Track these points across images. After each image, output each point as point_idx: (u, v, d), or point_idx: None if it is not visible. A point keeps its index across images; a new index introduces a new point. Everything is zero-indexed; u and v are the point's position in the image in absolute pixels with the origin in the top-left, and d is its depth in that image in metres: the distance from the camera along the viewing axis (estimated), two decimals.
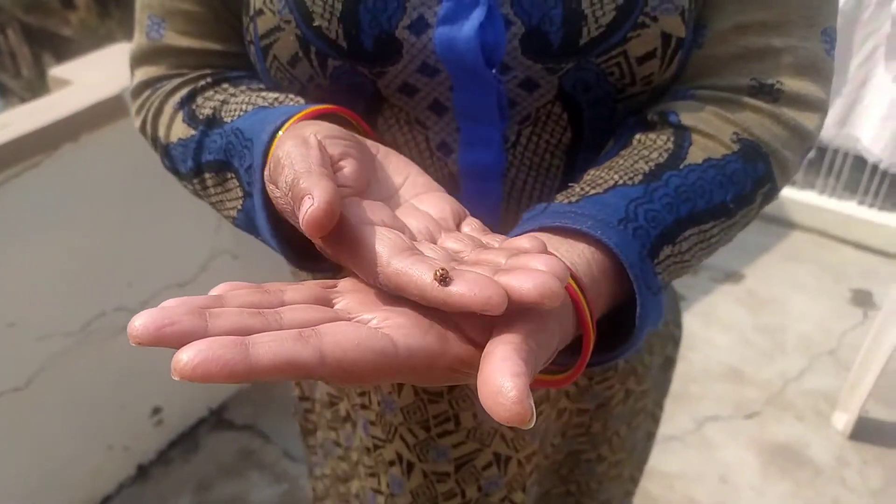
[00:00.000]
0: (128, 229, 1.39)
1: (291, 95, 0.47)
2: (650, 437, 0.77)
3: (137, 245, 1.42)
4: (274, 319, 0.28)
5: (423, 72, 0.45)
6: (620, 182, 0.42)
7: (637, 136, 0.46)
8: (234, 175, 0.45)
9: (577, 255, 0.38)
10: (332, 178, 0.32)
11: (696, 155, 0.44)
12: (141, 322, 0.25)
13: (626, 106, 0.47)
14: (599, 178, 0.43)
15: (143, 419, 1.58)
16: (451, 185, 0.49)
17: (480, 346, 0.30)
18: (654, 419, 0.76)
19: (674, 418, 1.72)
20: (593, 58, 0.44)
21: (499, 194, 0.49)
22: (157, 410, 1.60)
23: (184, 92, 0.51)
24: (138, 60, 0.53)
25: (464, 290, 0.28)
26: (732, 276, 2.17)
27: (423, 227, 0.37)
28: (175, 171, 0.52)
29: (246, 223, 0.47)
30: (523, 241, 0.34)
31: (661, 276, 0.41)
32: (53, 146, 1.22)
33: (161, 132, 0.51)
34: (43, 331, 1.31)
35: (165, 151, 0.52)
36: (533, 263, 0.30)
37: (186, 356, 0.24)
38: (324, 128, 0.38)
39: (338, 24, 0.43)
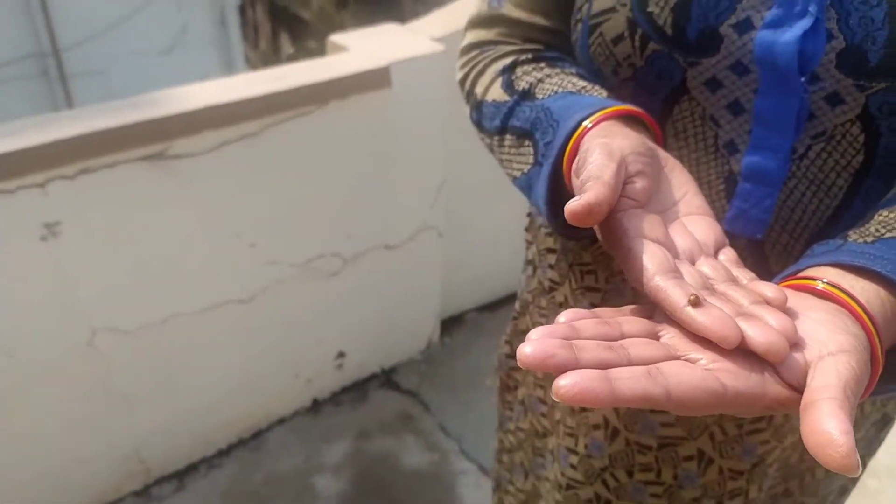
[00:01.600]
0: (361, 186, 1.55)
1: (598, 87, 0.53)
2: (844, 492, 0.74)
3: (364, 203, 1.57)
4: (623, 355, 0.35)
5: (735, 69, 0.48)
6: None
7: None
8: (531, 144, 0.53)
9: (872, 294, 0.41)
10: (613, 188, 0.40)
11: None
12: (529, 352, 0.33)
13: None
14: (894, 220, 0.44)
15: (328, 359, 1.74)
16: (728, 182, 0.52)
17: (794, 389, 0.36)
18: (854, 477, 0.73)
19: (878, 497, 1.60)
20: None
21: (773, 201, 0.52)
22: (341, 354, 1.76)
23: (507, 61, 0.59)
24: (474, 24, 0.63)
25: (707, 322, 0.35)
26: None
27: (687, 248, 0.43)
28: (479, 123, 0.61)
29: (524, 184, 0.55)
30: (768, 290, 0.39)
31: None
32: (324, 100, 1.38)
33: (479, 89, 0.60)
34: (274, 257, 1.49)
35: (478, 106, 0.60)
36: (770, 319, 0.36)
37: (565, 385, 0.31)
38: (633, 143, 0.44)
39: (669, 12, 0.48)
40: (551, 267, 0.67)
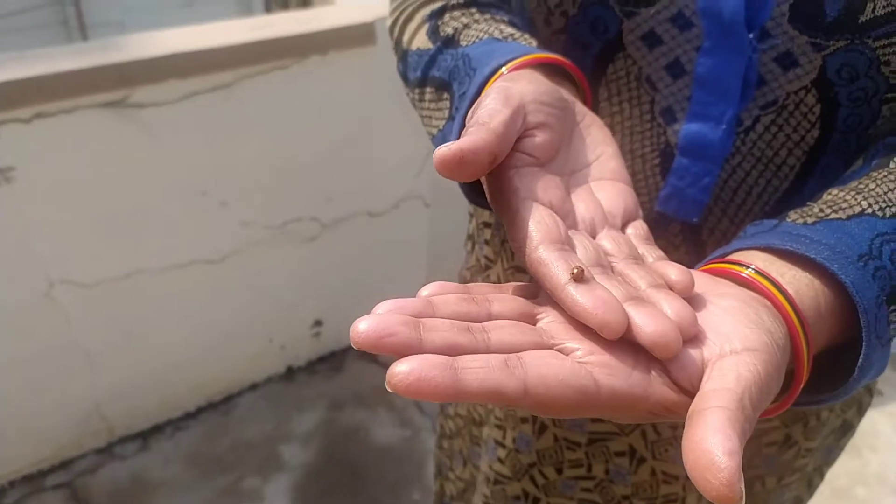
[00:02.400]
0: (342, 149, 1.48)
1: (528, 35, 0.46)
2: (798, 503, 0.68)
3: (345, 166, 1.51)
4: (482, 339, 0.29)
5: (675, 22, 0.42)
6: (868, 210, 0.37)
7: None
8: (449, 97, 0.46)
9: (804, 284, 0.34)
10: (499, 137, 0.33)
11: None
12: (364, 329, 0.27)
13: (892, 112, 0.41)
14: (843, 200, 0.37)
15: (305, 326, 1.69)
16: (663, 156, 0.46)
17: (686, 393, 0.30)
18: (810, 487, 0.67)
19: None
20: (871, 40, 0.38)
21: (713, 179, 0.45)
22: (318, 323, 1.71)
23: (435, 6, 0.52)
24: None
25: (587, 304, 0.29)
26: None
27: (589, 217, 0.36)
28: (405, 76, 0.54)
29: (440, 143, 0.48)
30: (672, 272, 0.33)
31: (894, 327, 0.36)
32: (303, 54, 1.31)
33: (405, 37, 0.53)
34: (247, 217, 1.44)
35: (403, 56, 0.53)
36: (666, 306, 0.30)
37: (400, 372, 0.25)
38: (538, 89, 0.38)
39: None
40: (487, 243, 0.61)
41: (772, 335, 0.31)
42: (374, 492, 1.49)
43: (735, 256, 0.37)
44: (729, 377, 0.28)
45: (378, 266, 1.71)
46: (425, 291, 0.32)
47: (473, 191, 0.46)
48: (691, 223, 0.46)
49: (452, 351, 0.27)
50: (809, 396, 0.38)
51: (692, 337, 0.30)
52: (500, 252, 0.59)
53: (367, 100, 1.42)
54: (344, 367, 1.76)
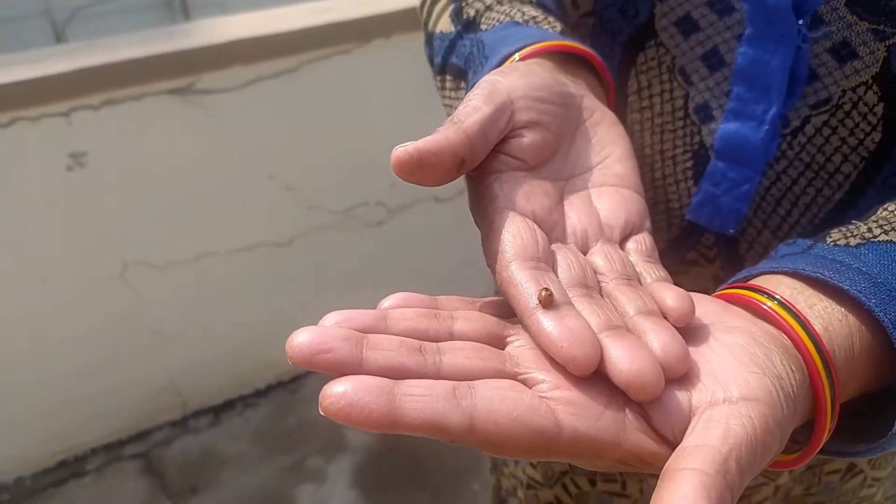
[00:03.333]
0: (408, 133, 1.45)
1: (552, 18, 0.41)
2: None
3: None
4: (433, 361, 0.25)
5: (714, 6, 0.37)
6: None
7: None
8: (465, 87, 0.43)
9: (837, 320, 0.29)
10: (471, 138, 0.30)
11: None
12: (299, 343, 0.24)
13: None
14: None
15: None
16: (697, 159, 0.40)
17: (666, 443, 0.25)
18: None
19: None
20: None
21: (753, 186, 0.39)
22: None
23: None
24: None
25: (554, 334, 0.25)
26: None
27: (581, 230, 0.32)
28: (431, 60, 0.50)
29: None
30: (669, 297, 0.29)
31: None
32: (367, 38, 1.29)
33: (432, 18, 0.49)
34: (313, 202, 1.44)
35: (429, 39, 0.50)
36: (652, 338, 0.26)
37: (333, 395, 0.23)
38: (532, 82, 0.33)
39: None
40: None
41: (780, 383, 0.26)
42: (433, 481, 1.48)
43: (759, 281, 0.31)
44: (715, 432, 0.24)
45: (444, 252, 1.69)
46: (386, 303, 0.28)
47: None
48: (727, 235, 0.41)
49: (396, 373, 0.24)
50: (843, 446, 0.32)
51: (680, 377, 0.26)
52: None
53: (431, 83, 1.39)
54: None
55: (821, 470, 0.52)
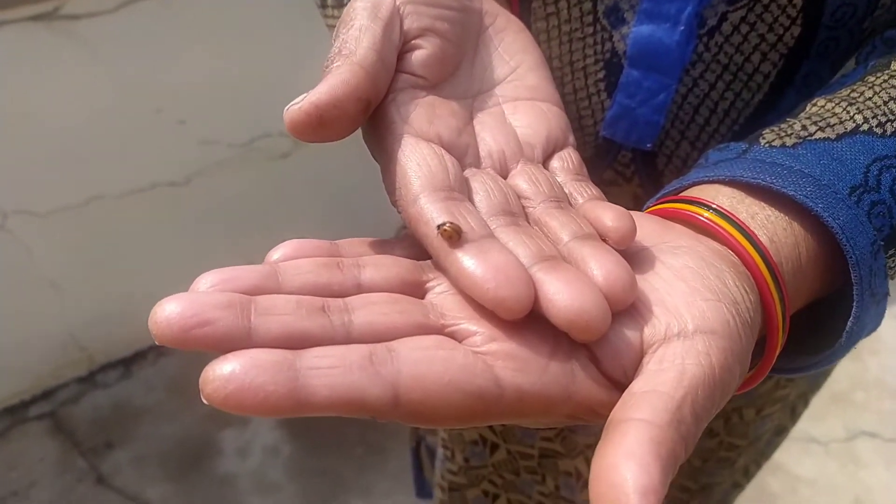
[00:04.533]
0: (308, 57, 1.37)
1: None
2: (781, 431, 0.63)
3: (315, 76, 1.40)
4: (340, 323, 0.21)
5: None
6: (864, 126, 0.28)
7: None
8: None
9: (781, 228, 0.27)
10: (369, 73, 0.26)
11: None
12: (166, 316, 0.20)
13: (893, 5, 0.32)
14: (831, 114, 0.29)
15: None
16: (609, 68, 0.37)
17: (618, 387, 0.22)
18: (793, 414, 0.62)
19: (825, 420, 1.51)
20: None
21: (669, 95, 0.36)
22: None
23: None
24: None
25: (477, 273, 0.21)
26: None
27: (497, 151, 0.28)
28: None
29: None
30: (607, 216, 0.25)
31: (891, 276, 0.29)
32: None
33: None
34: (209, 136, 1.35)
35: None
36: (593, 265, 0.23)
37: (218, 378, 0.19)
38: None
39: None
40: None
41: (736, 308, 0.23)
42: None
43: (693, 192, 0.29)
44: (668, 374, 0.21)
45: (360, 184, 1.63)
46: (276, 254, 0.24)
47: None
48: (644, 150, 0.38)
49: (296, 342, 0.20)
50: (787, 363, 0.31)
51: (627, 308, 0.23)
52: None
53: None
54: None
55: None
